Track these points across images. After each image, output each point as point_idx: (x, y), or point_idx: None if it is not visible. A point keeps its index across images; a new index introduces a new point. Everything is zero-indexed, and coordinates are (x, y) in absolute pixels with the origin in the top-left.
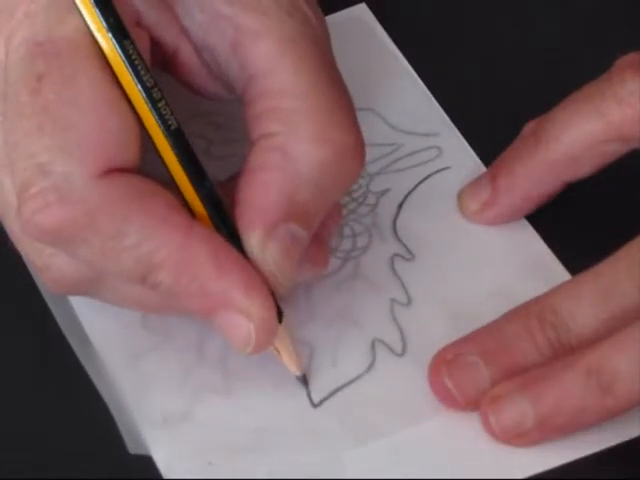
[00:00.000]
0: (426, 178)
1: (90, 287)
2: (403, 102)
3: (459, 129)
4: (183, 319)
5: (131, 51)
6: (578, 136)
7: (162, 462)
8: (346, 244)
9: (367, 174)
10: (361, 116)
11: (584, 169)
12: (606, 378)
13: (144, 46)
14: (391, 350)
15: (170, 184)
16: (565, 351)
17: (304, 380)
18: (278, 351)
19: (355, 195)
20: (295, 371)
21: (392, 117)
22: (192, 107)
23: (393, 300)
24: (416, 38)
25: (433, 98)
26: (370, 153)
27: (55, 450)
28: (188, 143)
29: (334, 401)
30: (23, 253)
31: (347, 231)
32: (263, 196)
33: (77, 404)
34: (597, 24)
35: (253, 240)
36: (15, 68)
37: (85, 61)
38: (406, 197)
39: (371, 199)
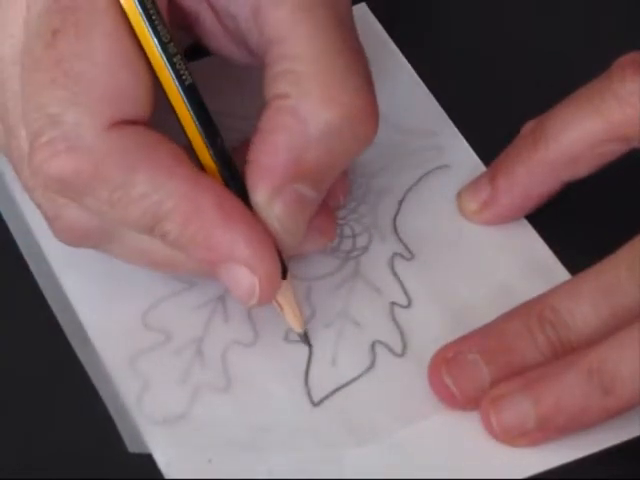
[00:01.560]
0: (427, 175)
1: (100, 239)
2: (403, 101)
3: (459, 128)
4: (183, 318)
5: (149, 5)
6: (578, 136)
7: (162, 461)
8: (346, 244)
9: (367, 173)
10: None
11: (584, 169)
12: (607, 378)
13: (162, 5)
14: (391, 350)
15: (182, 140)
16: (565, 350)
17: (306, 338)
18: (281, 307)
19: (355, 194)
20: (297, 328)
21: (392, 116)
22: None
23: (393, 300)
24: (416, 38)
25: (433, 97)
26: (370, 152)
27: (55, 450)
28: (201, 99)
29: (334, 401)
30: (35, 203)
31: (347, 231)
32: (272, 156)
33: (77, 404)
34: (597, 24)
35: (259, 197)
36: (33, 22)
37: (102, 15)
38: (407, 193)
39: (371, 198)
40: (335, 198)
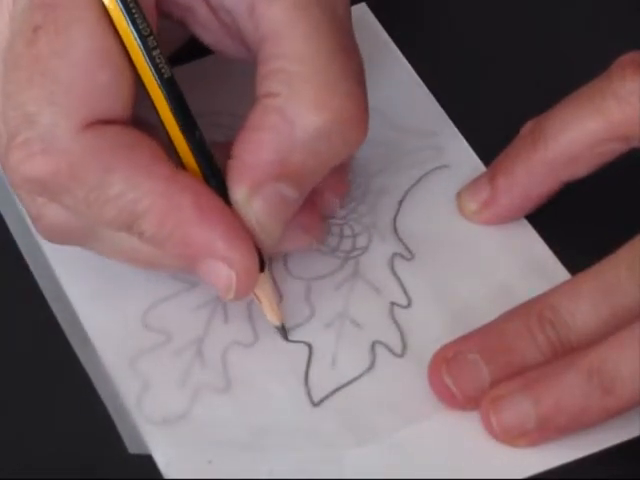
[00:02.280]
0: (426, 175)
1: (81, 237)
2: (403, 101)
3: (459, 128)
4: (183, 319)
5: (129, 0)
6: (577, 135)
7: (162, 461)
8: (346, 244)
9: (367, 173)
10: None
11: (583, 168)
12: (607, 378)
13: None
14: (391, 350)
15: (162, 135)
16: (565, 350)
17: (283, 330)
18: (259, 300)
19: (355, 194)
20: (275, 321)
21: (392, 116)
22: (194, 108)
23: (393, 300)
24: (416, 38)
25: (433, 97)
26: (369, 152)
27: (55, 450)
28: (181, 93)
29: (334, 401)
30: (19, 200)
31: (347, 231)
32: (255, 154)
33: (77, 404)
34: (597, 24)
35: (239, 194)
36: (17, 19)
37: (82, 11)
38: (407, 193)
39: (371, 198)
40: (324, 199)
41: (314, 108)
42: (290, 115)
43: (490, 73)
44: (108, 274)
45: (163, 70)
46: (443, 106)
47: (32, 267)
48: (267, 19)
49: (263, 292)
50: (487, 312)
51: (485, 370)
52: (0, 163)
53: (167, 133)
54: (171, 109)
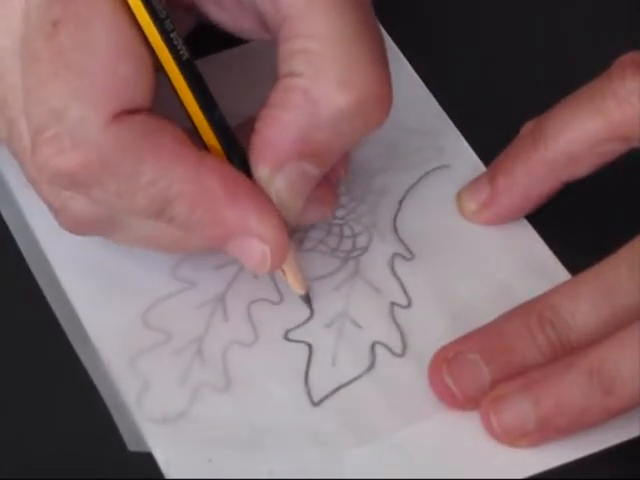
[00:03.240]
0: (426, 175)
1: (106, 227)
2: (403, 101)
3: (459, 128)
4: (183, 318)
5: None
6: (577, 135)
7: (162, 460)
8: (346, 244)
9: (367, 173)
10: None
11: (583, 168)
12: (607, 378)
13: None
14: (391, 350)
15: (183, 120)
16: (565, 350)
17: (307, 299)
18: (283, 272)
19: (355, 194)
20: (299, 290)
21: (392, 116)
22: None
23: (393, 300)
24: (416, 38)
25: (433, 97)
26: (370, 152)
27: (55, 450)
28: (200, 74)
29: (334, 400)
30: (39, 195)
31: (347, 231)
32: (278, 133)
33: (77, 403)
34: (597, 24)
35: (261, 172)
36: (33, 13)
37: (101, 4)
38: (407, 193)
39: (371, 198)
40: (334, 170)
41: (338, 88)
42: (314, 95)
43: (490, 73)
44: (108, 273)
45: (182, 52)
46: (443, 106)
47: (32, 267)
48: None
49: (288, 265)
50: (487, 312)
51: (485, 370)
52: (20, 158)
53: (189, 115)
54: (191, 90)
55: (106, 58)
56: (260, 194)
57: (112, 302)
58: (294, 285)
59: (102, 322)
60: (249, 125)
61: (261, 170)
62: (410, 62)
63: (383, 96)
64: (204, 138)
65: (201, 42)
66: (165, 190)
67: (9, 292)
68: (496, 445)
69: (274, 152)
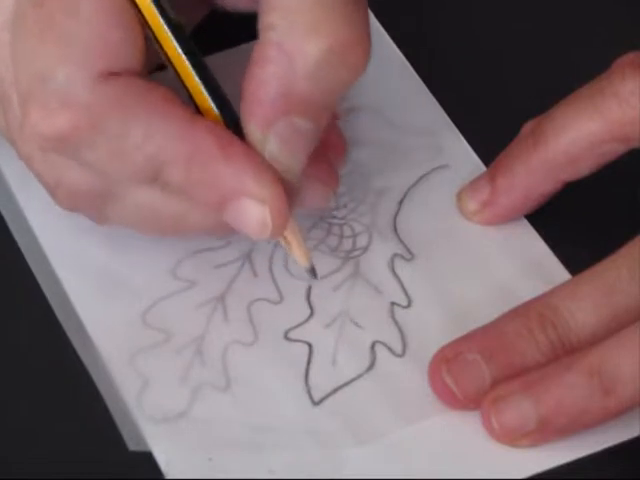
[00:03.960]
0: (426, 175)
1: (103, 200)
2: (403, 101)
3: (459, 128)
4: (183, 317)
5: None
6: (577, 135)
7: (162, 459)
8: (346, 244)
9: (367, 173)
10: (361, 114)
11: (583, 168)
12: (608, 378)
13: None
14: (391, 350)
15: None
16: (565, 350)
17: (313, 272)
18: (288, 243)
19: (355, 194)
20: (304, 262)
21: (392, 116)
22: None
23: (393, 300)
24: (416, 38)
25: (433, 97)
26: (369, 152)
27: (55, 450)
28: (189, 38)
29: (334, 400)
30: (35, 173)
31: (347, 231)
32: (259, 89)
33: (77, 403)
34: (597, 24)
35: (253, 132)
36: None
37: None
38: (406, 193)
39: (371, 198)
40: (333, 148)
41: (310, 36)
42: (287, 47)
43: (490, 73)
44: (108, 273)
45: (171, 16)
46: (443, 106)
47: (32, 267)
48: None
49: (292, 235)
50: (487, 312)
51: (485, 370)
52: (14, 133)
53: (181, 80)
54: (184, 52)
55: (95, 24)
56: (256, 154)
57: (112, 301)
58: (300, 257)
59: (102, 321)
60: None
61: (252, 130)
62: (410, 62)
63: (357, 41)
64: (197, 101)
65: (202, 42)
66: (157, 150)
67: (9, 292)
68: (496, 445)
69: (261, 109)
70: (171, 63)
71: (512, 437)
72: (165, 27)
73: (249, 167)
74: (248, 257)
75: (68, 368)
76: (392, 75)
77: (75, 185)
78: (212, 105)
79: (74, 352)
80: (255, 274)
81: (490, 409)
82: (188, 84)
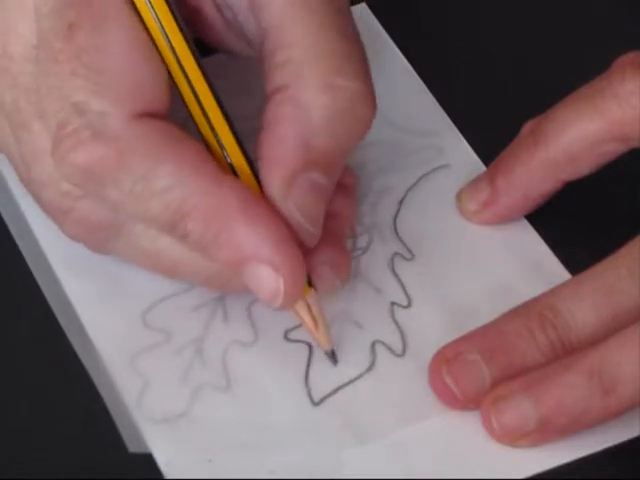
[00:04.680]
0: (426, 175)
1: (110, 233)
2: (403, 101)
3: (459, 128)
4: (183, 318)
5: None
6: (577, 135)
7: (162, 460)
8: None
9: (367, 173)
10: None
11: (583, 168)
12: (608, 378)
13: None
14: (391, 351)
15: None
16: (565, 350)
17: (333, 356)
18: (315, 321)
19: (355, 194)
20: (326, 345)
21: (392, 116)
22: None
23: (393, 300)
24: (416, 38)
25: (433, 97)
26: (370, 151)
27: (55, 450)
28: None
29: (334, 400)
30: (44, 200)
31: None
32: (280, 147)
33: (77, 403)
34: (597, 24)
35: (275, 190)
36: (47, 17)
37: (116, 7)
38: (407, 193)
39: (371, 198)
40: (339, 226)
41: (324, 91)
42: (302, 102)
43: (490, 73)
44: (108, 274)
45: (198, 58)
46: (443, 106)
47: (32, 267)
48: (267, 11)
49: (318, 313)
50: (487, 312)
51: (485, 370)
52: (30, 162)
53: (210, 132)
54: (218, 104)
55: (123, 59)
56: (278, 221)
57: (112, 302)
58: (323, 339)
59: (102, 322)
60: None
61: (274, 188)
62: (410, 63)
63: (366, 93)
64: (230, 154)
65: (202, 42)
66: (180, 200)
67: (9, 293)
68: (496, 445)
69: (282, 167)
70: (202, 114)
71: (512, 437)
72: (195, 65)
73: (269, 233)
74: None
75: (68, 369)
76: (393, 75)
77: (86, 215)
78: (244, 162)
79: (74, 353)
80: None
81: (490, 409)
82: (220, 134)
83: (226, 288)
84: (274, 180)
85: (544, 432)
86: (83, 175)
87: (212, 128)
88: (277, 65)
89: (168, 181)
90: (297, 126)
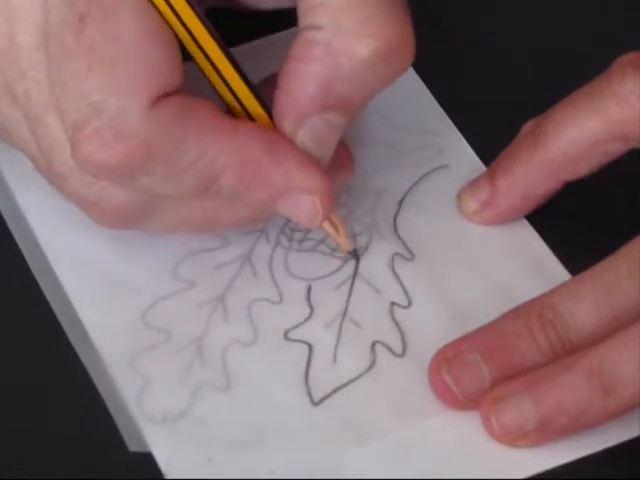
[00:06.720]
0: (426, 175)
1: (144, 215)
2: (404, 101)
3: (459, 129)
4: (183, 317)
5: None
6: (577, 135)
7: (162, 459)
8: None
9: (367, 173)
10: (361, 114)
11: (583, 168)
12: (608, 378)
13: None
14: (391, 350)
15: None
16: (565, 350)
17: (355, 254)
18: (335, 227)
19: (355, 194)
20: (349, 246)
21: (393, 115)
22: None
23: (393, 300)
24: (416, 38)
25: (433, 97)
26: (369, 152)
27: (55, 450)
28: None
29: (334, 400)
30: (67, 191)
31: (347, 231)
32: (301, 86)
33: (77, 403)
34: (597, 24)
35: (287, 126)
36: (56, 9)
37: None
38: (407, 193)
39: (371, 198)
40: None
41: (359, 39)
42: (335, 47)
43: (490, 73)
44: (108, 273)
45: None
46: (443, 106)
47: (32, 267)
48: None
49: (337, 218)
50: (487, 312)
51: (485, 370)
52: (49, 155)
53: (223, 84)
54: (229, 60)
55: (137, 47)
56: (299, 149)
57: (112, 301)
58: (344, 241)
59: (102, 321)
60: (272, 81)
61: (286, 124)
62: None
63: (404, 43)
64: (243, 100)
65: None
66: (210, 165)
67: (9, 292)
68: (496, 445)
69: (296, 107)
70: (212, 67)
71: (512, 437)
72: (212, 37)
73: (295, 164)
74: (248, 257)
75: (68, 368)
76: None
77: (118, 203)
78: (257, 104)
79: (74, 353)
80: (255, 274)
81: (490, 409)
82: (232, 85)
83: (265, 220)
84: (288, 117)
85: (544, 432)
86: (112, 174)
87: (221, 77)
88: (314, 5)
89: (194, 153)
90: (324, 70)
